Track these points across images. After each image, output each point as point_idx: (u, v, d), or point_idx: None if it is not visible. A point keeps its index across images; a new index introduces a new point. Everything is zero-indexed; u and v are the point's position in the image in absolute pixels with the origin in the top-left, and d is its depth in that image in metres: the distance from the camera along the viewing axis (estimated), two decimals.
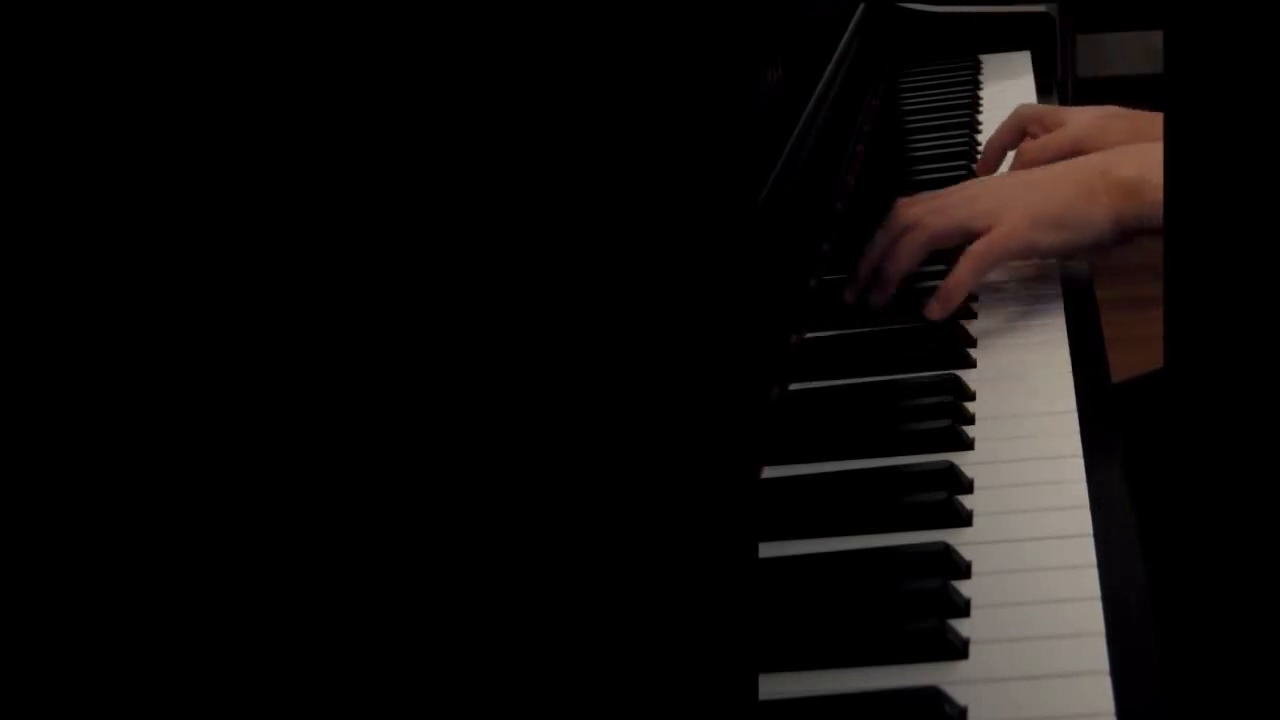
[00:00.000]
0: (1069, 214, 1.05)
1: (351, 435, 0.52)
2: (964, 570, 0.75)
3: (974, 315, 1.07)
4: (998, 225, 1.05)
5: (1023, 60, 1.77)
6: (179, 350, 0.51)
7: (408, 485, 0.52)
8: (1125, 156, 1.08)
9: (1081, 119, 1.27)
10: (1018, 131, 1.30)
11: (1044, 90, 1.65)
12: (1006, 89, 1.67)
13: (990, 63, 1.78)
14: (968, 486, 0.83)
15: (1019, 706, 0.65)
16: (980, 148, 1.47)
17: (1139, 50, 4.01)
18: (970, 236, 1.06)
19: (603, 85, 0.53)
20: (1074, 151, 1.25)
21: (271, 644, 0.51)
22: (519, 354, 0.52)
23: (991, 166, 1.31)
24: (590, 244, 0.53)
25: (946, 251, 1.18)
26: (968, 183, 1.14)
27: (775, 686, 0.68)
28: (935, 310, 1.04)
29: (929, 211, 1.08)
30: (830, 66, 1.39)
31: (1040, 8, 1.83)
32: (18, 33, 0.48)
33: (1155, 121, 1.23)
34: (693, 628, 0.52)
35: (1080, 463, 0.83)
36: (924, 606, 0.72)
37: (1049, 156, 1.26)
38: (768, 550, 0.79)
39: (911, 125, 1.58)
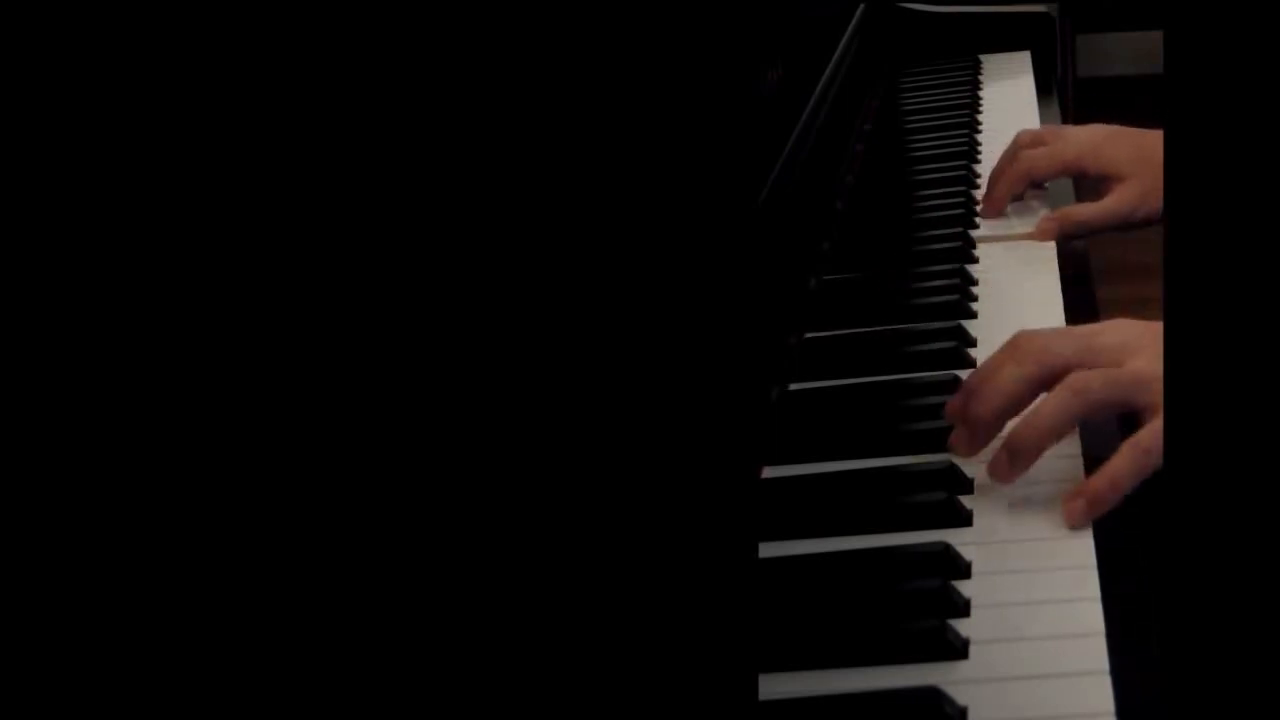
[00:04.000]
0: None
1: (346, 431, 0.52)
2: (964, 570, 0.75)
3: (974, 315, 1.07)
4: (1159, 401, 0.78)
5: (1023, 60, 1.77)
6: (179, 350, 0.51)
7: (407, 485, 0.52)
8: None
9: (1082, 135, 1.27)
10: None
11: (1044, 90, 1.65)
12: (1006, 89, 1.67)
13: (990, 63, 1.78)
14: (968, 486, 0.83)
15: (1019, 706, 0.65)
16: (981, 148, 1.47)
17: (1139, 50, 4.01)
18: (1127, 409, 0.81)
19: (601, 85, 0.53)
20: (1076, 166, 1.25)
21: (271, 644, 0.51)
22: (517, 354, 0.52)
23: (998, 203, 1.28)
24: (589, 244, 0.53)
25: (950, 254, 1.19)
26: (1113, 326, 0.86)
27: (775, 686, 0.68)
28: (1078, 513, 0.78)
29: (1094, 377, 0.81)
30: (830, 66, 1.39)
31: (1040, 8, 1.83)
32: (18, 33, 0.48)
33: (1155, 139, 1.22)
34: (692, 628, 0.52)
35: (1080, 463, 0.83)
36: (924, 606, 0.72)
37: (1054, 171, 1.26)
38: (768, 550, 0.79)
39: (911, 125, 1.58)
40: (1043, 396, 0.82)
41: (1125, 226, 1.21)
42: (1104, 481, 0.78)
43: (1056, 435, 0.81)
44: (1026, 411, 0.82)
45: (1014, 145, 1.29)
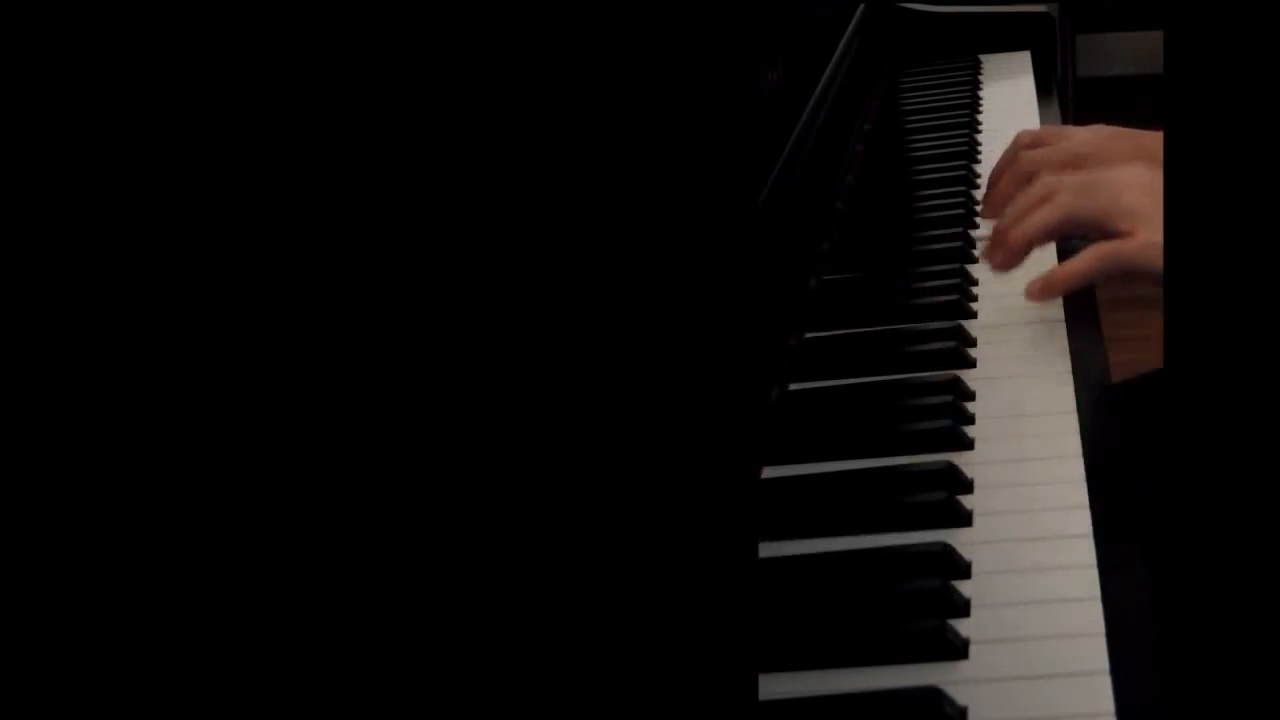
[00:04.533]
0: None
1: (346, 431, 0.52)
2: (964, 570, 0.75)
3: (974, 315, 1.07)
4: (1137, 233, 0.96)
5: (1023, 60, 1.77)
6: (180, 351, 0.51)
7: (407, 485, 0.52)
8: None
9: (1083, 135, 1.27)
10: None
11: (1044, 90, 1.65)
12: (1006, 89, 1.67)
13: (990, 63, 1.78)
14: (968, 486, 0.83)
15: (1019, 706, 0.65)
16: (981, 148, 1.47)
17: (1139, 50, 4.01)
18: (1105, 233, 0.98)
19: (601, 85, 0.53)
20: (1075, 163, 1.24)
21: (271, 644, 0.51)
22: (517, 354, 0.52)
23: (998, 203, 1.27)
24: (589, 244, 0.53)
25: (950, 254, 1.19)
26: (1114, 168, 1.03)
27: (775, 686, 0.68)
28: (1035, 290, 0.99)
29: (1072, 188, 1.00)
30: (830, 66, 1.39)
31: (1040, 8, 1.83)
32: (18, 33, 0.48)
33: (1156, 140, 1.22)
34: (692, 627, 0.52)
35: (1080, 463, 0.83)
36: (924, 606, 0.72)
37: (1051, 169, 1.26)
38: (768, 550, 0.79)
39: (911, 125, 1.58)
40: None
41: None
42: (1065, 273, 0.97)
43: (1047, 238, 1.01)
44: (1018, 214, 1.01)
45: (1014, 145, 1.29)
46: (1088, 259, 0.96)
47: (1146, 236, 0.95)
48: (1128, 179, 1.00)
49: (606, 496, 0.52)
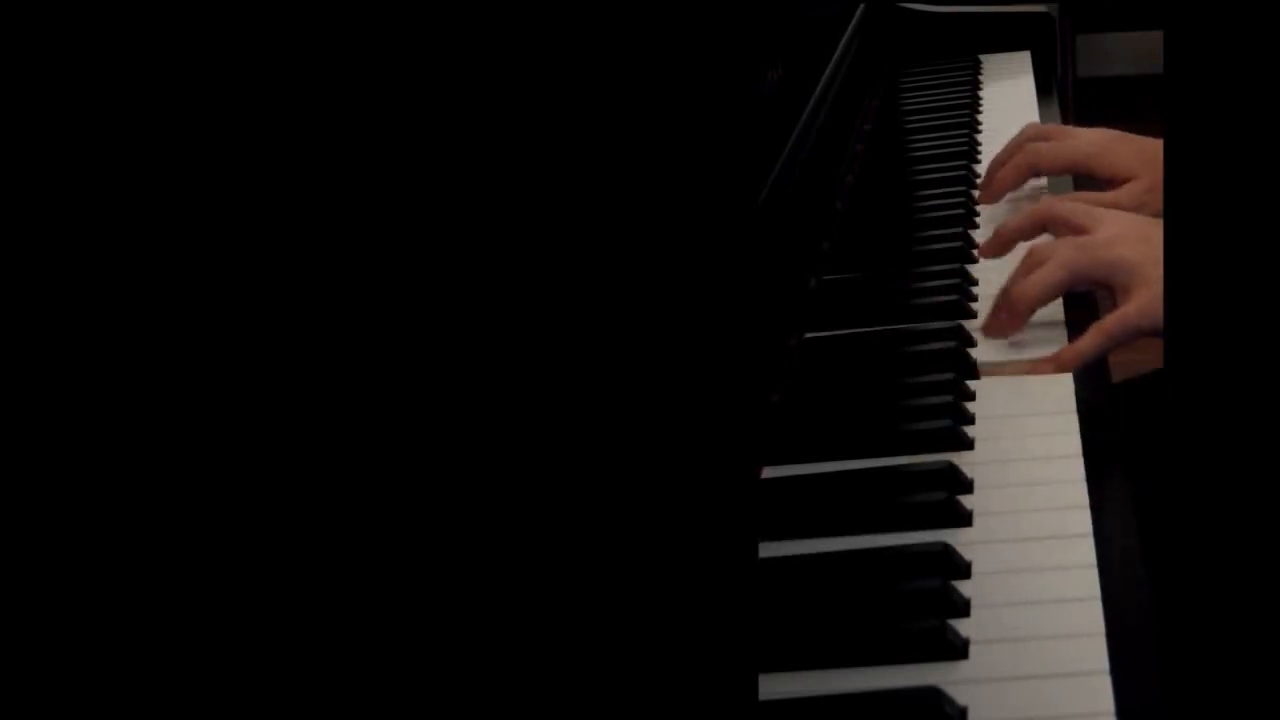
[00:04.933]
0: None
1: (346, 431, 0.52)
2: (964, 570, 0.75)
3: (974, 315, 1.07)
4: (1136, 290, 0.96)
5: (1023, 60, 1.77)
6: (181, 351, 0.51)
7: (407, 485, 0.52)
8: None
9: (1090, 135, 1.27)
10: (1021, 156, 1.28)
11: (1044, 90, 1.65)
12: (1006, 89, 1.67)
13: (990, 63, 1.78)
14: (968, 486, 0.83)
15: (1019, 706, 0.65)
16: (981, 148, 1.47)
17: (1139, 50, 4.01)
18: (1104, 288, 0.99)
19: (600, 85, 0.53)
20: (1084, 166, 1.25)
21: (270, 644, 0.51)
22: (516, 355, 0.52)
23: (997, 192, 1.28)
24: (589, 244, 0.53)
25: (950, 254, 1.19)
26: (1113, 217, 1.04)
27: (775, 686, 0.68)
28: (1044, 369, 0.97)
29: (1073, 246, 1.00)
30: (830, 66, 1.39)
31: (1040, 8, 1.83)
32: (18, 33, 0.48)
33: (1157, 146, 1.23)
34: (692, 628, 0.52)
35: (1080, 463, 0.83)
36: (924, 606, 0.72)
37: (1059, 167, 1.26)
38: (768, 550, 0.79)
39: (911, 125, 1.58)
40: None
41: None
42: (1070, 353, 0.96)
43: (1047, 299, 1.00)
44: (1019, 275, 1.01)
45: (1020, 136, 1.29)
46: (1091, 339, 0.96)
47: (1141, 303, 0.95)
48: (1126, 228, 1.01)
49: (607, 497, 0.52)
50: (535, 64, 0.53)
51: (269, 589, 0.51)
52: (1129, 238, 0.99)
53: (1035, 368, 0.97)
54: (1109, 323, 0.96)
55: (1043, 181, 1.30)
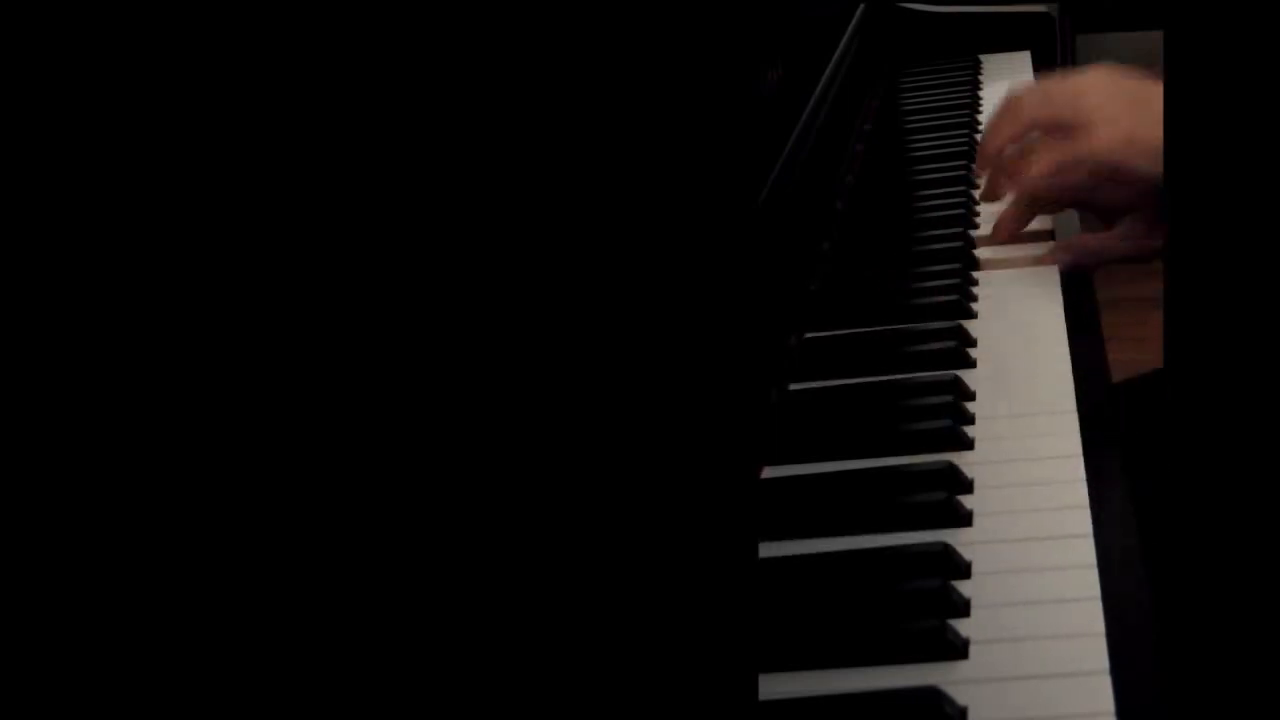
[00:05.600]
0: None
1: (346, 432, 0.52)
2: (964, 570, 0.75)
3: (974, 315, 1.07)
4: (1095, 129, 0.99)
5: (1023, 60, 1.77)
6: (181, 351, 0.51)
7: (407, 485, 0.52)
8: None
9: (1083, 82, 1.23)
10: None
11: None
12: (1006, 89, 1.67)
13: (990, 63, 1.78)
14: (968, 486, 0.83)
15: (1019, 706, 0.65)
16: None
17: (1139, 50, 4.01)
18: (1063, 130, 1.02)
19: (600, 85, 0.53)
20: (1071, 107, 1.21)
21: (270, 644, 0.51)
22: (516, 355, 0.52)
23: (988, 159, 1.27)
24: (589, 244, 0.53)
25: (950, 254, 1.19)
26: (1076, 78, 1.08)
27: (775, 686, 0.68)
28: (1000, 186, 1.06)
29: (1031, 94, 1.06)
30: (830, 66, 1.39)
31: (1040, 8, 1.83)
32: (18, 33, 0.48)
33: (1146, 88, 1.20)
34: (692, 628, 0.52)
35: (1080, 463, 0.83)
36: (924, 606, 0.72)
37: (1064, 200, 1.23)
38: (768, 550, 0.79)
39: (911, 125, 1.58)
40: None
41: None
42: (1029, 182, 1.02)
43: (1011, 136, 1.05)
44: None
45: (1007, 96, 1.27)
46: (1045, 159, 1.01)
47: (1098, 136, 0.98)
48: (1089, 83, 1.03)
49: (607, 497, 0.52)
50: (536, 64, 0.53)
51: (269, 589, 0.51)
52: (1090, 92, 1.01)
53: (999, 224, 1.03)
54: (1064, 147, 0.98)
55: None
